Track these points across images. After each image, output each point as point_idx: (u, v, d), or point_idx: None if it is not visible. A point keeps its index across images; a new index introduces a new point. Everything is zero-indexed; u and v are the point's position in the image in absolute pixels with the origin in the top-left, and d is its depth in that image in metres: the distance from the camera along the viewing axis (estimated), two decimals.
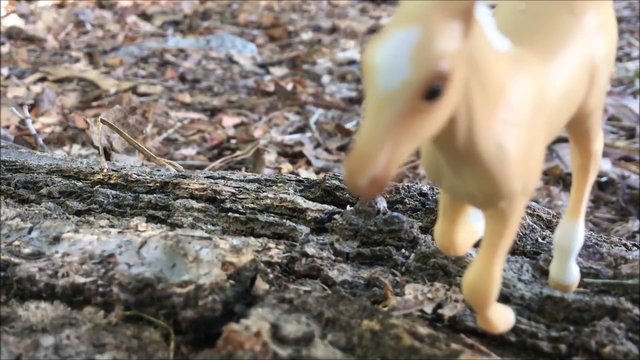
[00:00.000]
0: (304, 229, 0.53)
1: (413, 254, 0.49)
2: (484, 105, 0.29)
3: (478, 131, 0.29)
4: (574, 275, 0.43)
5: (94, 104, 1.68)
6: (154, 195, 0.58)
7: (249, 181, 0.62)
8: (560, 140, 1.27)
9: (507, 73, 0.30)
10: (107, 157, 0.90)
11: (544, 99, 0.33)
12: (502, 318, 0.38)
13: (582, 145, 0.41)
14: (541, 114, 0.33)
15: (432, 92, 0.25)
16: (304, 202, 0.56)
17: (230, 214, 0.55)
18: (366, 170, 0.25)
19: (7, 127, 1.40)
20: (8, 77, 1.88)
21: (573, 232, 0.42)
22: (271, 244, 0.51)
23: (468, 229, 0.40)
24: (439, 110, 0.26)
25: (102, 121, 0.70)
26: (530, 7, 0.36)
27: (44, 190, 0.59)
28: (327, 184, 0.59)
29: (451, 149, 0.30)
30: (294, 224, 0.53)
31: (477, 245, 0.40)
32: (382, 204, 0.53)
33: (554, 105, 0.34)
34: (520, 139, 0.31)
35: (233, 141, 1.43)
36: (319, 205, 0.56)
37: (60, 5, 2.83)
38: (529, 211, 0.55)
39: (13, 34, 2.34)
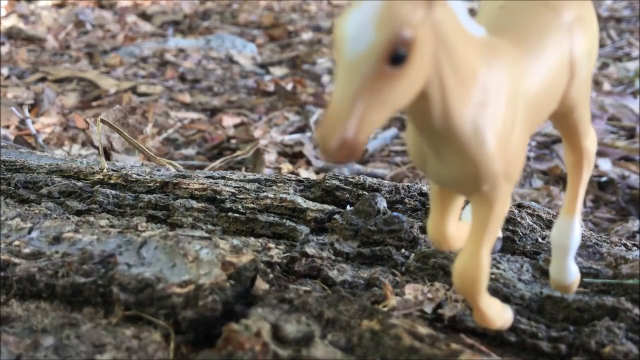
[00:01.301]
0: (304, 229, 0.53)
1: (413, 254, 0.49)
2: (456, 83, 0.30)
3: (453, 109, 0.30)
4: (573, 274, 0.43)
5: (94, 104, 1.68)
6: (154, 195, 0.58)
7: (249, 181, 0.62)
8: (561, 140, 1.28)
9: (481, 57, 0.31)
10: (107, 157, 0.90)
11: (521, 88, 0.34)
12: (498, 313, 0.38)
13: (573, 142, 0.42)
14: (519, 102, 0.33)
15: (396, 56, 0.26)
16: (304, 202, 0.56)
17: (230, 214, 0.55)
18: (337, 134, 0.27)
19: (7, 127, 1.40)
20: (8, 77, 1.88)
21: (569, 230, 0.42)
22: (271, 244, 0.51)
23: (461, 225, 0.40)
24: (406, 77, 0.27)
25: (102, 121, 0.70)
26: (508, 3, 0.37)
27: (44, 190, 0.59)
28: (327, 184, 0.59)
29: (430, 129, 0.31)
30: (294, 224, 0.53)
31: None
32: (382, 204, 0.53)
33: (533, 96, 0.35)
34: (497, 122, 0.32)
35: (233, 141, 1.43)
36: (319, 205, 0.56)
37: (60, 5, 2.83)
38: (529, 211, 0.55)
39: (13, 34, 2.34)
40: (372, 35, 0.26)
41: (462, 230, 0.40)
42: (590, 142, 0.42)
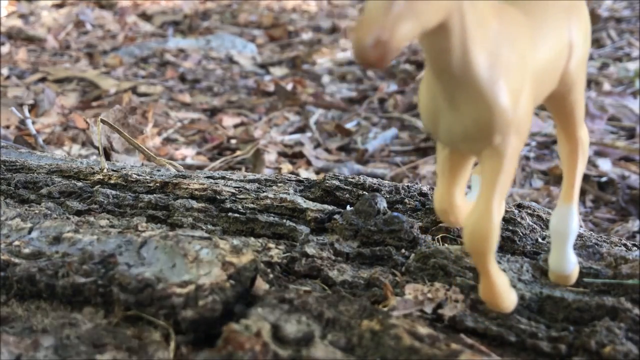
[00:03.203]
0: (304, 229, 0.53)
1: (413, 254, 0.49)
2: (476, 23, 0.32)
3: (471, 48, 0.32)
4: (572, 264, 0.43)
5: (94, 104, 1.68)
6: (154, 195, 0.58)
7: (249, 181, 0.62)
8: None
9: (496, 14, 0.33)
10: (107, 157, 0.90)
11: (529, 57, 0.35)
12: (506, 286, 0.38)
13: (568, 131, 0.43)
14: (527, 66, 0.35)
15: None
16: (304, 202, 0.56)
17: (230, 214, 0.55)
18: (373, 32, 0.28)
19: (7, 127, 1.40)
20: (8, 77, 1.88)
21: (568, 216, 0.43)
22: (271, 244, 0.51)
23: (467, 202, 0.41)
24: None
25: (102, 121, 0.70)
26: None
27: (44, 190, 0.59)
28: (327, 184, 0.59)
29: (448, 70, 0.33)
30: (294, 224, 0.53)
31: None
32: (382, 204, 0.53)
33: (539, 67, 0.36)
34: (510, 76, 0.33)
35: (233, 141, 1.43)
36: (319, 205, 0.56)
37: (60, 5, 2.83)
38: (529, 211, 0.55)
39: (13, 34, 2.35)
40: None
41: (467, 203, 0.40)
42: (584, 133, 0.44)
